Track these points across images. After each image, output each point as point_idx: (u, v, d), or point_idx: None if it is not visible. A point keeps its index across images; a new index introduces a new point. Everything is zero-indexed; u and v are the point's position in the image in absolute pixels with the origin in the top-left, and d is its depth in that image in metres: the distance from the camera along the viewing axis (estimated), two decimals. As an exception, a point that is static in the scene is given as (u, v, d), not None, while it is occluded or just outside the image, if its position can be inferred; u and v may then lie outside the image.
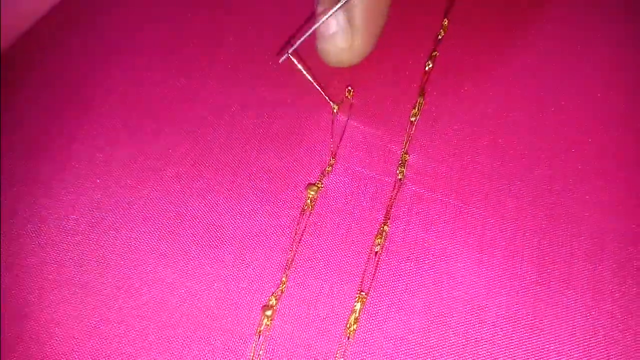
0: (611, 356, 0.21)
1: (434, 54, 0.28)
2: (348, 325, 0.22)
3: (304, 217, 0.24)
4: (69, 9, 0.32)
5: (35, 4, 0.32)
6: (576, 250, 0.23)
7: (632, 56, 0.28)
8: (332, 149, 0.26)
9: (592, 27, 0.29)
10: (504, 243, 0.24)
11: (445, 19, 0.29)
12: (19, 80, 0.29)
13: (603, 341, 0.22)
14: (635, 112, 0.26)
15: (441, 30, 0.29)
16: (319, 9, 0.25)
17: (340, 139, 0.26)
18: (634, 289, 0.23)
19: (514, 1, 0.30)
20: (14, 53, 0.30)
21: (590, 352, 0.22)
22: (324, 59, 0.26)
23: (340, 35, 0.25)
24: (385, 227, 0.24)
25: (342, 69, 0.27)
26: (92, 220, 0.25)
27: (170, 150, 0.26)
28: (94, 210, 0.25)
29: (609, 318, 0.22)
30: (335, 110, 0.27)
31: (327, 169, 0.25)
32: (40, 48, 0.30)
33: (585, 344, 0.22)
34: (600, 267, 0.23)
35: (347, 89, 0.27)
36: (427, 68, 0.28)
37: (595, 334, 0.22)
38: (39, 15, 0.32)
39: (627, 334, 0.22)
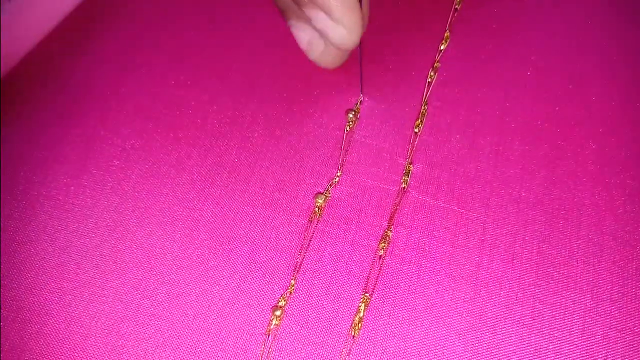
0: (609, 357, 0.22)
1: (436, 65, 0.29)
2: (353, 325, 0.23)
3: (312, 224, 0.25)
4: (85, 17, 0.32)
5: (51, 11, 0.32)
6: (575, 253, 0.24)
7: (630, 63, 0.28)
8: (339, 161, 0.27)
9: (589, 37, 0.30)
10: (504, 247, 0.24)
11: (447, 31, 0.30)
12: (36, 89, 0.30)
13: (601, 342, 0.22)
14: (633, 117, 0.27)
15: (443, 42, 0.30)
16: (288, 23, 0.26)
17: (347, 152, 0.27)
18: (632, 291, 0.23)
19: (513, 13, 0.31)
20: (31, 62, 0.31)
21: (588, 353, 0.22)
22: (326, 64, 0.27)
23: (316, 45, 0.26)
24: (389, 232, 0.25)
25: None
26: (110, 224, 0.25)
27: (184, 159, 0.27)
28: (112, 213, 0.26)
29: (607, 319, 0.22)
30: (356, 113, 0.27)
31: (334, 180, 0.26)
32: (55, 57, 0.31)
33: (584, 344, 0.22)
34: (598, 269, 0.23)
35: (358, 101, 0.28)
36: (429, 79, 0.29)
37: (593, 334, 0.22)
38: (55, 23, 0.32)
39: (625, 334, 0.22)
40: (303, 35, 0.26)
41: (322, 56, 0.27)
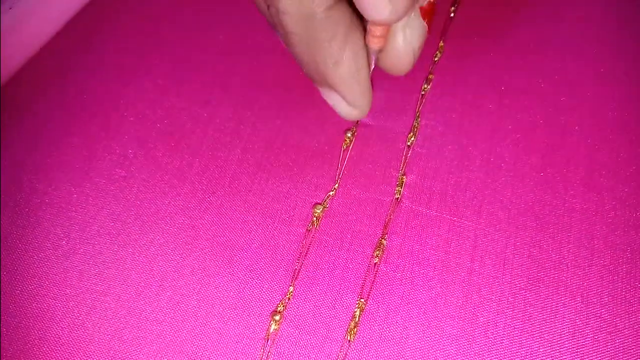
0: (599, 359, 0.22)
1: (429, 76, 0.29)
2: (349, 330, 0.23)
3: (309, 233, 0.26)
4: (86, 25, 0.33)
5: (52, 17, 0.33)
6: (565, 257, 0.24)
7: (626, 69, 0.29)
8: (336, 175, 0.27)
9: (586, 42, 0.30)
10: (495, 252, 0.24)
11: (441, 41, 0.30)
12: (37, 96, 0.30)
13: (591, 344, 0.22)
14: (624, 122, 0.27)
15: (437, 52, 0.30)
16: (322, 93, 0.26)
17: (344, 167, 0.27)
18: (622, 294, 0.23)
19: (509, 23, 0.31)
20: (33, 71, 0.31)
21: (578, 355, 0.22)
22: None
23: (344, 107, 0.25)
24: (384, 240, 0.25)
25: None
26: (113, 232, 0.26)
27: (186, 168, 0.28)
28: (115, 222, 0.26)
29: (597, 321, 0.23)
30: (351, 136, 0.28)
31: (331, 192, 0.27)
32: (57, 63, 0.31)
33: (574, 346, 0.22)
34: (589, 272, 0.24)
35: (356, 122, 0.29)
36: (422, 92, 0.29)
37: (583, 337, 0.22)
38: (56, 29, 0.33)
39: (615, 336, 0.22)
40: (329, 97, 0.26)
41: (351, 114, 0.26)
